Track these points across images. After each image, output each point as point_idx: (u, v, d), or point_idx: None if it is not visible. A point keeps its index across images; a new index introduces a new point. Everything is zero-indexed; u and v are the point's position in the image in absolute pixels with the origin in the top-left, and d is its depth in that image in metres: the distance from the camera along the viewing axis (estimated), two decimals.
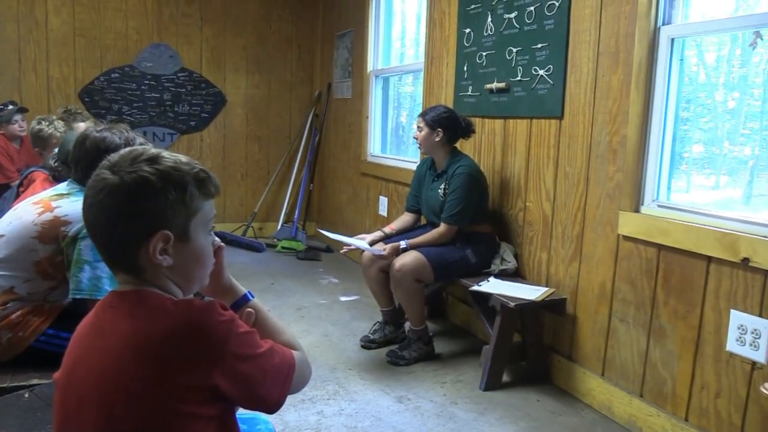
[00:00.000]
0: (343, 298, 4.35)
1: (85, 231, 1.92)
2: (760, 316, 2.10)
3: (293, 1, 6.12)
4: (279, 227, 5.97)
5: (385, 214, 4.82)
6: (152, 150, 1.10)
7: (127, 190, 1.03)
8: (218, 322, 1.04)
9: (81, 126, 3.58)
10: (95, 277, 1.93)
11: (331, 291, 4.52)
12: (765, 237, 2.07)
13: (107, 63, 5.59)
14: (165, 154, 1.10)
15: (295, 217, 6.01)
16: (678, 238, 2.36)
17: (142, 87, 5.71)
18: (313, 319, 3.89)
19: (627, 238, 2.61)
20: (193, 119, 5.93)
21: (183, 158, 1.13)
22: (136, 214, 1.04)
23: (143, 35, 5.66)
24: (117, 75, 5.61)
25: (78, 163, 2.08)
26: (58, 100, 5.38)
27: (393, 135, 5.27)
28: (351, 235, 3.57)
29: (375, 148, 5.20)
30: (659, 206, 2.51)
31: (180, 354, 1.00)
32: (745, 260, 2.11)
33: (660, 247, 2.46)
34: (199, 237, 1.12)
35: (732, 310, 2.19)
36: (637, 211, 2.57)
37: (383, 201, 4.85)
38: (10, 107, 4.21)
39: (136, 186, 1.04)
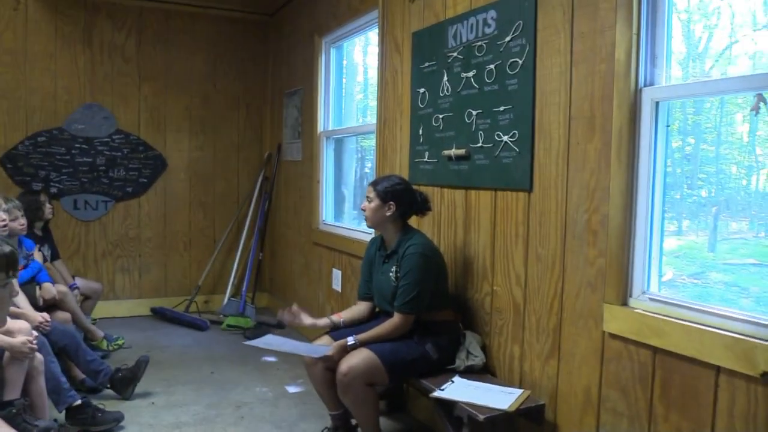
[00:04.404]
0: (291, 390, 3.82)
1: None
2: None
3: (240, 58, 5.75)
4: (225, 302, 5.42)
5: (339, 289, 4.34)
6: None
7: None
8: None
9: None
10: None
11: (279, 380, 3.99)
12: None
13: (33, 126, 5.07)
14: None
15: (243, 290, 5.47)
16: (676, 340, 1.94)
17: (73, 151, 5.20)
18: (254, 421, 3.34)
19: (614, 336, 2.18)
20: (129, 185, 5.42)
21: None
22: None
23: (74, 95, 5.18)
24: (44, 138, 5.10)
25: None
26: None
27: (360, 198, 4.84)
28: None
29: (327, 215, 4.76)
30: (651, 300, 2.09)
31: None
32: (766, 375, 1.70)
33: (655, 350, 2.03)
34: None
35: None
36: (624, 304, 2.16)
37: (337, 274, 4.38)
38: None
39: None
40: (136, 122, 5.42)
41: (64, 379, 3.06)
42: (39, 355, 2.87)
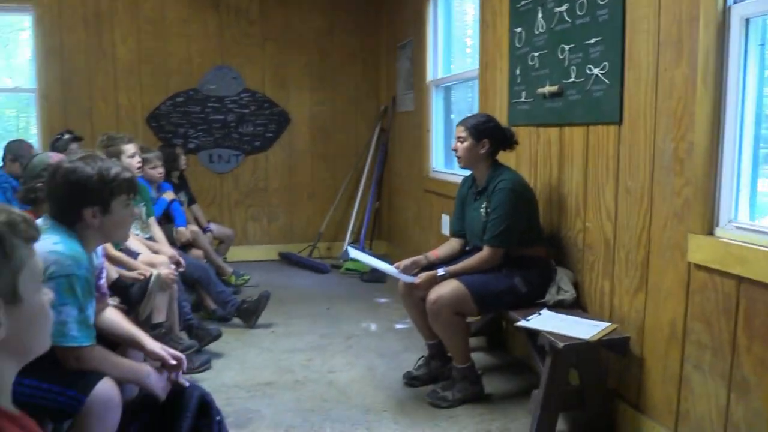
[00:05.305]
0: (398, 326, 4.04)
1: (51, 272, 1.76)
2: None
3: (356, 13, 5.94)
4: (345, 247, 5.75)
5: (447, 233, 4.46)
6: None
7: None
8: None
9: (129, 147, 3.49)
10: (59, 321, 1.76)
11: (388, 317, 4.23)
12: None
13: (172, 88, 5.63)
14: None
15: (362, 236, 5.77)
16: (762, 268, 1.87)
17: (207, 110, 5.71)
18: (361, 350, 3.60)
19: (699, 267, 2.13)
20: (257, 139, 5.86)
21: None
22: None
23: (206, 58, 5.66)
24: (182, 99, 5.64)
25: (50, 198, 1.93)
26: (127, 127, 5.46)
27: None
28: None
29: (437, 163, 4.87)
30: (738, 228, 2.02)
31: None
32: None
33: (740, 280, 1.97)
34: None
35: None
36: (710, 233, 2.09)
37: (445, 220, 4.51)
38: (66, 136, 4.27)
39: None
40: (261, 81, 5.81)
41: (185, 303, 3.50)
42: (175, 286, 3.31)
